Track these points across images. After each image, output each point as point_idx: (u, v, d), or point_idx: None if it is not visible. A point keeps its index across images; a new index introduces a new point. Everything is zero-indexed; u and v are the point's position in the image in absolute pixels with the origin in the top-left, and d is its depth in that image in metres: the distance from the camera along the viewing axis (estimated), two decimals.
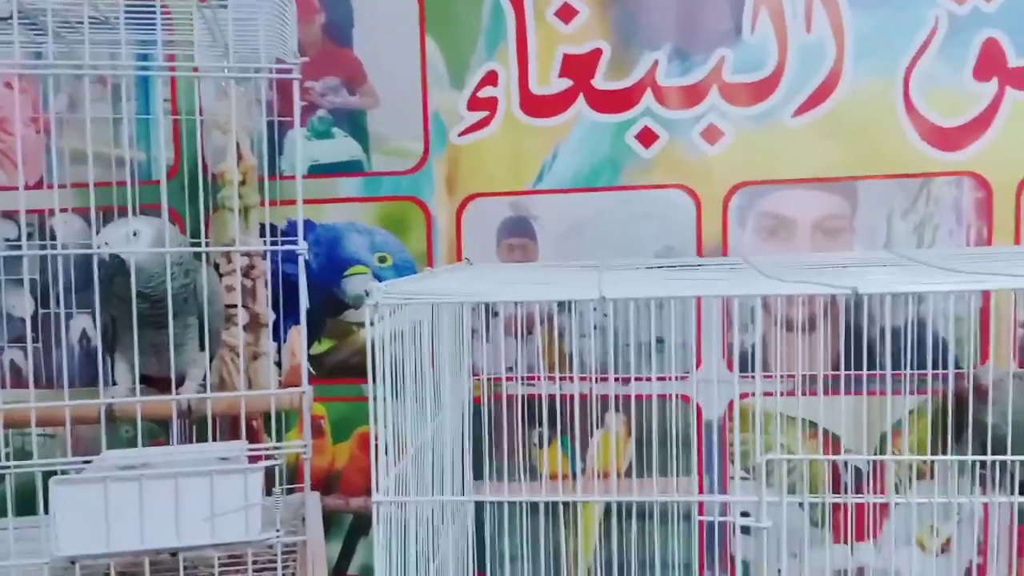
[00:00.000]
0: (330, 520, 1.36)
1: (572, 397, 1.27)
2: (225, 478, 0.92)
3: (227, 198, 1.21)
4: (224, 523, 0.92)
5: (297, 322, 1.08)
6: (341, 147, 1.35)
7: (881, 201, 1.23)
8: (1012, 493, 0.99)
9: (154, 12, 1.02)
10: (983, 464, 1.06)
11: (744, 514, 0.87)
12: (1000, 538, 1.22)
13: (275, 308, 1.25)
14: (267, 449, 0.97)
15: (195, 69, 1.14)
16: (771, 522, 0.77)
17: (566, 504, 1.26)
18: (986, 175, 1.21)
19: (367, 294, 0.80)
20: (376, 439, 0.81)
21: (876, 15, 1.22)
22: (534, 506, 1.23)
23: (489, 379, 1.29)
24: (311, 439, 1.06)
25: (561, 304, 1.30)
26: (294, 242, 0.97)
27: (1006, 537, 1.23)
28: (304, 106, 1.33)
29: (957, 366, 1.20)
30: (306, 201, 1.28)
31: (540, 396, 1.28)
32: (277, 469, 0.94)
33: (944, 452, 1.19)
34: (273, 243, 1.17)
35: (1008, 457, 0.90)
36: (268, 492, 0.99)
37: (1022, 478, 1.07)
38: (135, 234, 1.04)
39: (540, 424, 1.29)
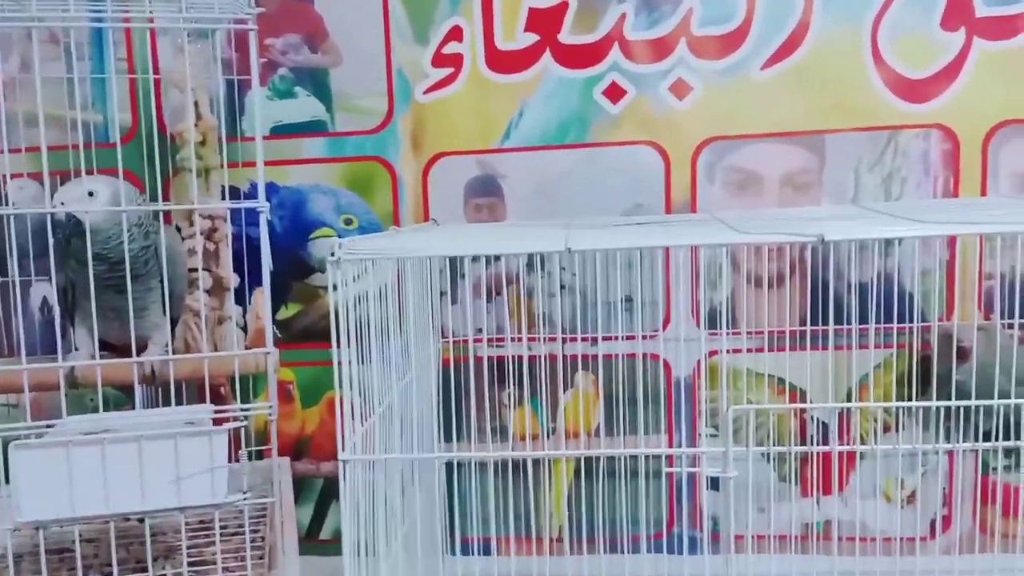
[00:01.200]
0: (301, 485, 1.36)
1: (541, 357, 1.26)
2: (189, 440, 0.91)
3: (186, 159, 1.18)
4: (190, 486, 0.91)
5: (262, 285, 1.06)
6: (304, 107, 1.32)
7: (849, 154, 1.22)
8: (976, 440, 1.00)
9: None
10: (948, 415, 1.07)
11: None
12: (965, 488, 1.24)
13: (239, 271, 1.23)
14: (232, 412, 0.96)
15: (150, 20, 1.11)
16: (737, 472, 0.77)
17: (537, 462, 1.26)
18: (953, 127, 1.21)
19: (330, 254, 0.78)
20: (341, 399, 0.80)
21: None
22: (505, 465, 1.23)
23: (458, 341, 1.28)
24: (278, 403, 1.05)
25: (530, 264, 1.29)
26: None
27: (970, 488, 1.24)
28: (265, 64, 1.30)
29: (924, 319, 1.21)
30: (269, 163, 1.27)
31: (509, 357, 1.28)
32: (243, 432, 0.93)
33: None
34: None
35: (972, 403, 0.91)
36: (236, 456, 0.99)
37: (986, 428, 1.08)
38: (91, 194, 1.02)
39: (510, 385, 1.29)
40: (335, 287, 0.76)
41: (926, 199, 1.21)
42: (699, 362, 1.28)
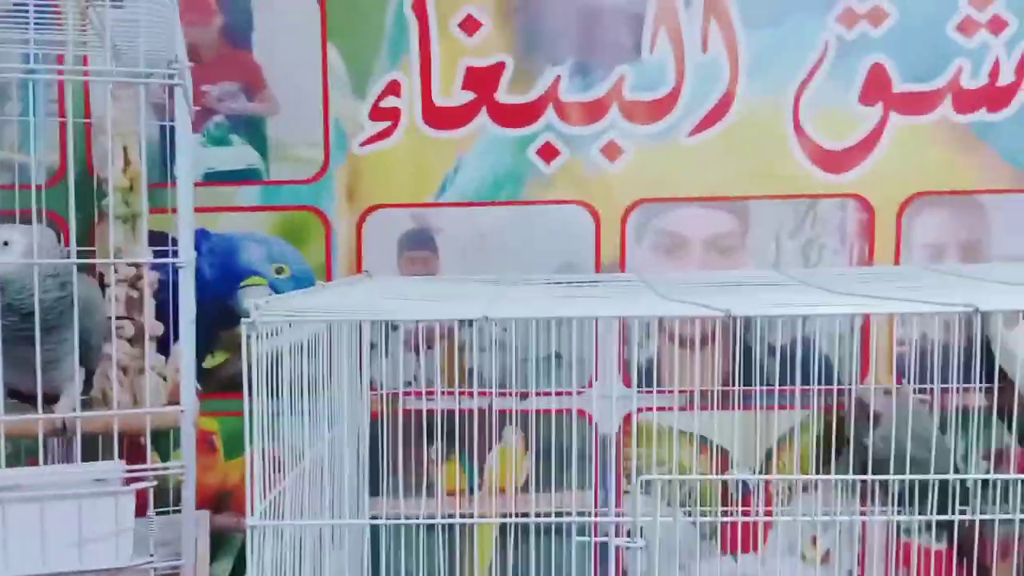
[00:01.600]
0: (221, 539, 1.32)
1: (471, 412, 1.26)
2: (94, 501, 0.88)
3: (112, 205, 1.16)
4: (93, 548, 0.88)
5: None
6: (239, 154, 1.31)
7: (771, 221, 1.27)
8: (889, 505, 1.03)
9: (43, 11, 0.98)
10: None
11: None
12: (878, 550, 1.27)
13: (165, 320, 1.21)
14: (144, 470, 0.94)
15: (85, 73, 1.11)
16: (645, 541, 0.78)
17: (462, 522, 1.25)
18: (869, 197, 1.26)
19: (246, 314, 0.78)
20: (252, 460, 0.79)
21: (768, 38, 1.25)
22: (430, 524, 1.23)
23: (387, 394, 1.28)
24: (194, 456, 1.03)
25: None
26: (176, 254, 0.94)
27: (883, 549, 1.27)
28: (200, 111, 1.30)
29: (840, 382, 1.24)
30: (201, 209, 1.26)
31: (439, 411, 1.27)
32: (152, 490, 0.91)
33: (827, 466, 1.23)
34: (162, 254, 1.13)
35: (869, 477, 0.94)
36: (159, 511, 0.96)
37: (899, 491, 1.12)
38: (6, 243, 1.00)
39: (438, 439, 1.28)
40: (248, 349, 0.76)
41: (842, 266, 1.25)
42: (627, 417, 1.29)
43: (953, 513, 1.01)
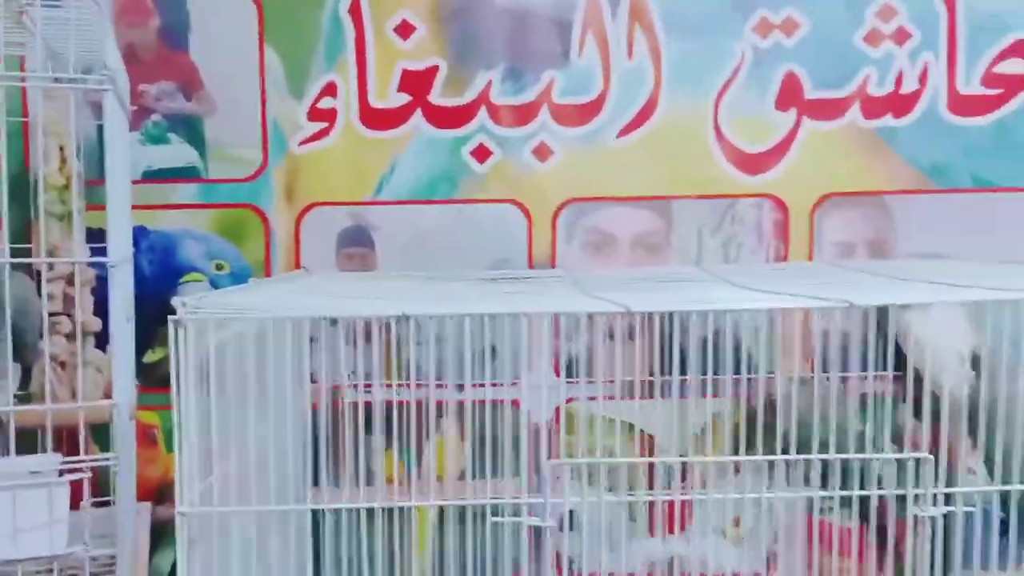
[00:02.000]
0: (164, 530, 1.35)
1: (408, 404, 1.30)
2: (29, 492, 0.91)
3: (47, 203, 1.18)
4: (28, 537, 0.91)
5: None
6: (177, 152, 1.33)
7: (693, 220, 1.33)
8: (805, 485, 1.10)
9: None
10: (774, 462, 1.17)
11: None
12: (794, 527, 1.35)
13: (104, 315, 1.23)
14: (78, 462, 0.96)
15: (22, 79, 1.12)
16: (553, 521, 0.84)
17: (401, 509, 1.30)
18: (784, 198, 1.33)
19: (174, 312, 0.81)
20: (180, 450, 0.83)
21: (690, 46, 1.31)
22: (370, 512, 1.26)
23: (327, 387, 1.31)
24: (133, 448, 1.06)
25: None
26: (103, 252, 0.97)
27: (800, 527, 1.35)
28: (138, 110, 1.31)
29: (758, 373, 1.31)
30: (139, 207, 1.28)
31: (377, 403, 1.31)
32: (90, 482, 0.93)
33: (749, 451, 1.30)
34: (101, 250, 1.15)
35: (792, 457, 1.00)
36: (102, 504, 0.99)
37: (810, 473, 1.19)
38: None
39: (377, 430, 1.32)
40: (176, 346, 0.79)
41: (760, 263, 1.32)
42: (558, 408, 1.35)
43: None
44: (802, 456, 1.07)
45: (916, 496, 0.86)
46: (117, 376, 0.97)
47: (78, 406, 0.97)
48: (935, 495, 0.87)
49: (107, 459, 0.97)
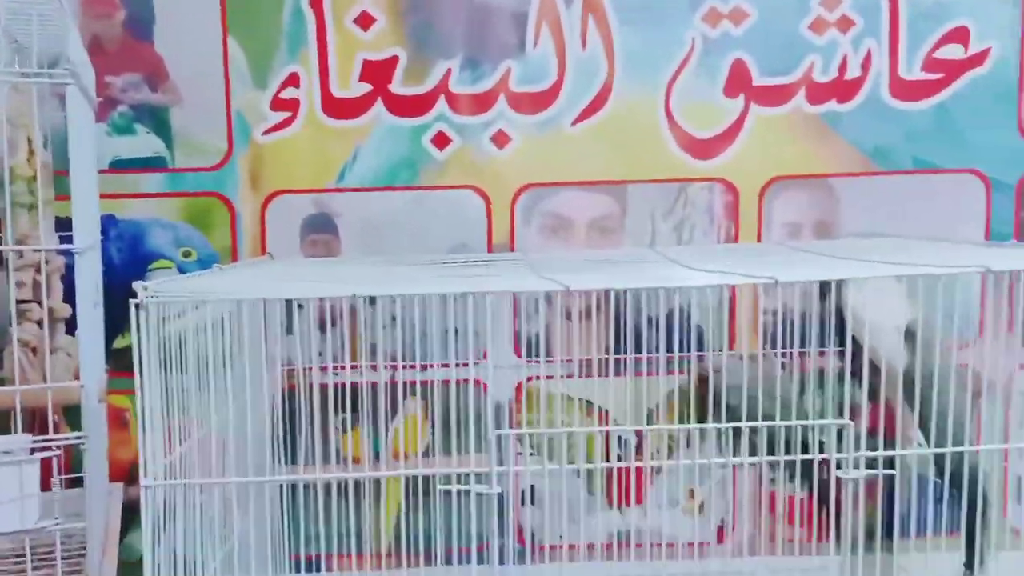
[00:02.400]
0: (137, 511, 1.38)
1: (374, 384, 1.35)
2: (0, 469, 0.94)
3: (16, 194, 1.21)
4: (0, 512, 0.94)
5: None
6: (144, 143, 1.36)
7: (646, 203, 1.38)
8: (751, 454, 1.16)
9: None
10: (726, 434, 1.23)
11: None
12: (746, 498, 1.41)
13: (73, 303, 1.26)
14: (48, 440, 1.00)
15: None
16: (500, 489, 0.89)
17: (367, 482, 1.34)
18: (733, 181, 1.38)
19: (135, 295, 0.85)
20: (143, 427, 0.87)
21: (641, 35, 1.36)
22: (339, 488, 1.31)
23: (293, 369, 1.35)
24: (103, 428, 1.09)
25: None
26: (71, 240, 1.00)
27: (752, 497, 1.41)
28: (105, 101, 1.34)
29: (710, 350, 1.37)
30: (107, 196, 1.32)
31: (343, 384, 1.36)
32: (60, 461, 0.97)
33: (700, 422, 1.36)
34: (66, 239, 1.18)
35: (723, 425, 1.06)
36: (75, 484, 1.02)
37: (759, 444, 1.24)
38: None
39: (344, 411, 1.36)
40: (138, 328, 0.83)
41: (711, 244, 1.37)
42: (519, 386, 1.40)
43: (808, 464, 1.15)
44: (732, 424, 1.11)
45: (840, 461, 0.92)
46: (84, 358, 1.01)
47: (46, 387, 1.00)
48: (856, 459, 0.92)
49: (77, 438, 1.00)
